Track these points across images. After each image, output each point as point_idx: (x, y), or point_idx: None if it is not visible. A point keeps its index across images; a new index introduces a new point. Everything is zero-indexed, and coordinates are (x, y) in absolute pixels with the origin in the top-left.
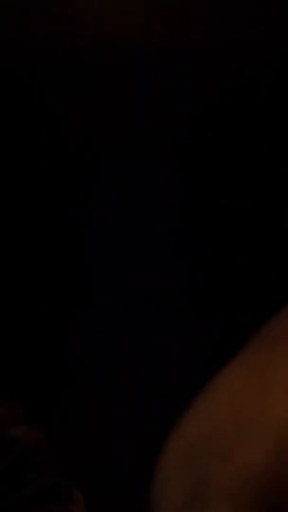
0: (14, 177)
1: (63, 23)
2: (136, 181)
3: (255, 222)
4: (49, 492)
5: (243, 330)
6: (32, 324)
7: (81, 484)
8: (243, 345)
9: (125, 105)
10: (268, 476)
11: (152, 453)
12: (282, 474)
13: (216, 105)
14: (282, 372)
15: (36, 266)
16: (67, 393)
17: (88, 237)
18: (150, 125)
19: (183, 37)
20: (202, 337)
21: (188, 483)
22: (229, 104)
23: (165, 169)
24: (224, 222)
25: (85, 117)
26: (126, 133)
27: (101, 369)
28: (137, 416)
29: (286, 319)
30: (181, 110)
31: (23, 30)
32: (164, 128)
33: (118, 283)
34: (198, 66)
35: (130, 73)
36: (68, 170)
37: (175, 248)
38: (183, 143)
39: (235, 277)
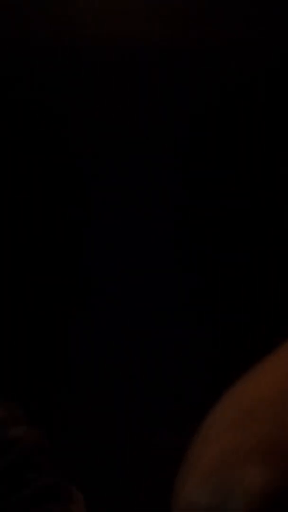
0: (14, 177)
1: (63, 23)
2: (136, 181)
3: (255, 222)
4: (49, 492)
5: (243, 331)
6: (32, 324)
7: (81, 484)
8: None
9: (125, 105)
10: None
11: (151, 453)
12: None
13: (216, 105)
14: None
15: (36, 266)
16: (67, 393)
17: (88, 237)
18: (150, 125)
19: (183, 37)
20: (202, 337)
21: (227, 444)
22: (229, 104)
23: (165, 169)
24: (224, 222)
25: (85, 117)
26: (126, 133)
27: (101, 369)
28: (137, 416)
29: None
30: (181, 110)
31: (23, 30)
32: (164, 128)
33: (118, 283)
34: (198, 66)
35: (130, 73)
36: (68, 170)
37: (175, 248)
38: (183, 143)
39: (235, 277)
